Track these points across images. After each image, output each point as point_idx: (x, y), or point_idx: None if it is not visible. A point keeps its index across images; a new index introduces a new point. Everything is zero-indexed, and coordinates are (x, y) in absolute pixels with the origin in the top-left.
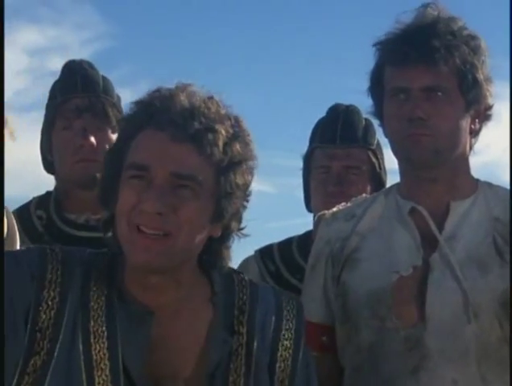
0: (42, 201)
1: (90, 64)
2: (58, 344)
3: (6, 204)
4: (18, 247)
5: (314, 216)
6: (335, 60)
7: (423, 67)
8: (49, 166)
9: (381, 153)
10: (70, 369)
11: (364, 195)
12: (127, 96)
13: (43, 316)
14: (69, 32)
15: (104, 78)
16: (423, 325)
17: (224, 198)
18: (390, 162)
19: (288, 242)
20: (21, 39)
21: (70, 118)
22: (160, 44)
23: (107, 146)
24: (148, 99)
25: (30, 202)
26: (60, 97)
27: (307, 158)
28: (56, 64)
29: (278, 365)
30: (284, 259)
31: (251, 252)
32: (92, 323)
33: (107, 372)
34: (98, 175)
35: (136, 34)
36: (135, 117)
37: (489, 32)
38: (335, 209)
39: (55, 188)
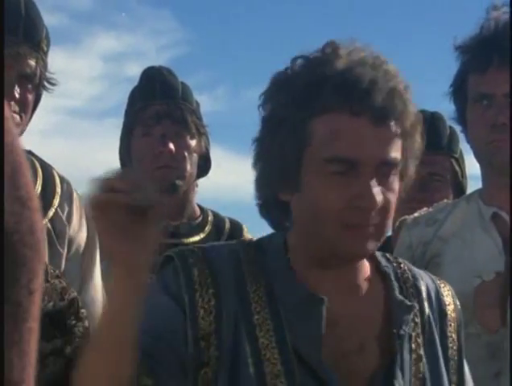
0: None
1: (169, 71)
2: (224, 348)
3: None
4: (98, 252)
5: (393, 221)
6: (413, 65)
7: (506, 72)
8: None
9: (463, 162)
10: (238, 369)
11: (445, 200)
12: (205, 102)
13: (202, 322)
14: (146, 38)
15: (183, 84)
16: (506, 330)
17: (410, 163)
18: (471, 167)
19: None
20: (97, 45)
21: (149, 125)
22: (237, 50)
23: (186, 153)
24: (332, 72)
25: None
26: (139, 104)
27: None
28: (133, 70)
29: (448, 340)
30: None
31: None
32: (255, 316)
33: (279, 367)
34: (178, 182)
35: (213, 40)
36: (322, 94)
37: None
38: (416, 214)
39: None
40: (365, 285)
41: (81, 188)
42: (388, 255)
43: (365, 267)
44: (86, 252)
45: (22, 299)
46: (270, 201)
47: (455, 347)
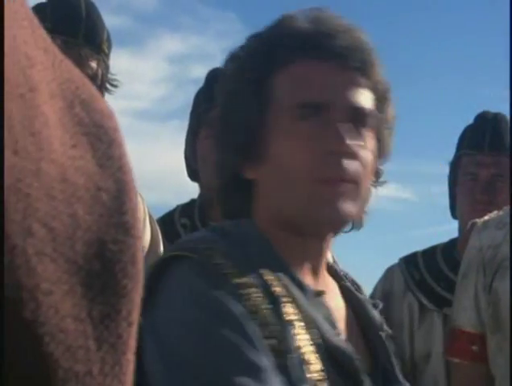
0: (186, 209)
1: None
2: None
3: (149, 209)
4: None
5: (459, 223)
6: (475, 67)
7: None
8: (193, 174)
9: None
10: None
11: None
12: None
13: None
14: (211, 40)
15: None
16: None
17: (384, 130)
18: None
19: (433, 250)
20: (163, 47)
21: (214, 126)
22: None
23: None
24: (295, 22)
25: (175, 210)
26: (204, 105)
27: (454, 165)
28: (198, 72)
29: None
30: (429, 267)
31: (395, 260)
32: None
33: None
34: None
35: None
36: (280, 47)
37: (490, 31)
38: (486, 217)
39: (200, 196)
40: (332, 280)
41: (146, 190)
42: None
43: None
44: (150, 252)
45: (123, 331)
46: (231, 183)
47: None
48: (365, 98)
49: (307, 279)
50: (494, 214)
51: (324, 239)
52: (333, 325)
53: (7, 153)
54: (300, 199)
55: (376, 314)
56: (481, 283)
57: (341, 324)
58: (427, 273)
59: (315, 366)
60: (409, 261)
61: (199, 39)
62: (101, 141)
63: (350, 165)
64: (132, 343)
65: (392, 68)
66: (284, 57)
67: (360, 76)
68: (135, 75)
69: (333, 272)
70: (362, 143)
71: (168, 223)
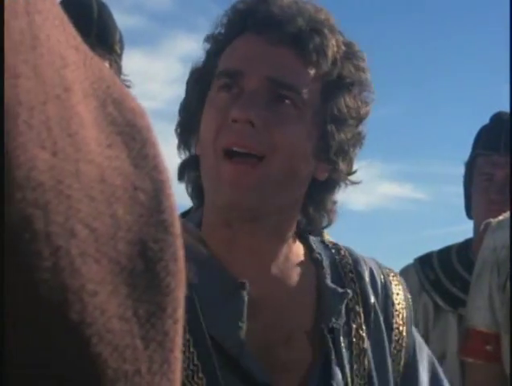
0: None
1: None
2: None
3: None
4: None
5: (474, 223)
6: (492, 67)
7: None
8: None
9: None
10: None
11: None
12: None
13: None
14: None
15: None
16: None
17: (331, 122)
18: None
19: (447, 250)
20: (177, 48)
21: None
22: None
23: None
24: (240, 2)
25: (190, 210)
26: None
27: (470, 165)
28: None
29: (393, 333)
30: (444, 267)
31: (410, 261)
32: None
33: (195, 361)
34: None
35: None
36: (225, 26)
37: (489, 31)
38: (501, 217)
39: None
40: (294, 271)
41: None
42: (327, 241)
43: (296, 251)
44: None
45: (169, 329)
46: (187, 161)
47: (402, 342)
48: (293, 73)
49: (237, 269)
50: (509, 214)
51: (242, 224)
52: (240, 316)
53: (46, 156)
54: (206, 178)
55: (334, 305)
56: (496, 283)
57: (267, 314)
58: (441, 274)
59: (189, 358)
60: (424, 261)
61: None
62: (135, 140)
63: (247, 133)
64: (179, 341)
65: (406, 67)
66: (228, 36)
67: (294, 54)
68: (149, 75)
69: (314, 259)
70: (281, 125)
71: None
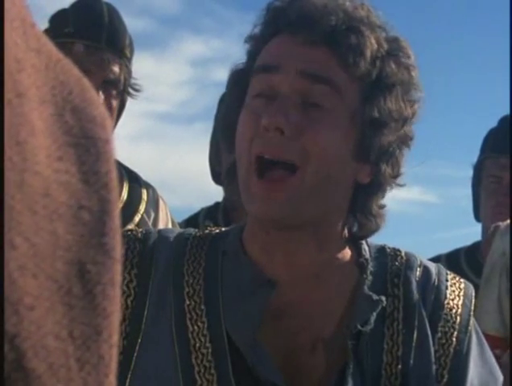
0: (210, 212)
1: None
2: (139, 340)
3: (171, 214)
4: None
5: (483, 226)
6: (501, 70)
7: None
8: (218, 177)
9: None
10: (159, 364)
11: None
12: None
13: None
14: (233, 43)
15: None
16: None
17: (370, 125)
18: None
19: (456, 253)
20: (185, 50)
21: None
22: None
23: None
24: (274, 2)
25: (199, 212)
26: None
27: (478, 168)
28: (221, 75)
29: (437, 335)
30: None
31: None
32: (187, 302)
33: (209, 357)
34: None
35: None
36: (261, 26)
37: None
38: (509, 221)
39: (224, 199)
40: (334, 277)
41: (169, 193)
42: (389, 247)
43: (342, 256)
44: None
45: (105, 353)
46: (230, 168)
47: (448, 347)
48: (322, 67)
49: (272, 270)
50: None
51: (279, 232)
52: (258, 315)
53: None
54: (240, 188)
55: (365, 311)
56: (505, 287)
57: (294, 318)
58: None
59: (203, 354)
60: None
61: (221, 41)
62: (89, 153)
63: (276, 141)
64: (113, 366)
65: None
66: (263, 36)
67: (329, 54)
68: (158, 78)
69: (359, 264)
70: (317, 124)
71: (193, 225)
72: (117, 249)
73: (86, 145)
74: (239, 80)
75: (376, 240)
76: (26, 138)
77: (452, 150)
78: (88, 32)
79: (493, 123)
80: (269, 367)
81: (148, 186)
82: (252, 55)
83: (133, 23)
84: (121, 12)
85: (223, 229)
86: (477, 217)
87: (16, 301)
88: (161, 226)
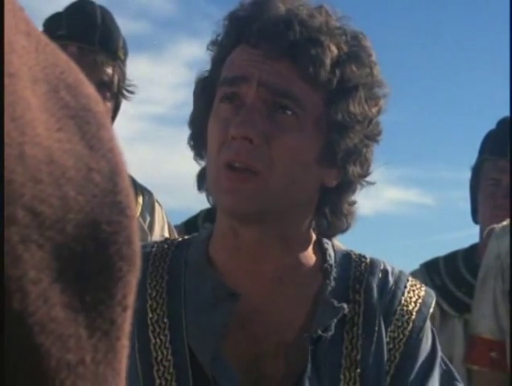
0: (210, 214)
1: None
2: None
3: (167, 217)
4: None
5: (481, 228)
6: (499, 72)
7: None
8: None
9: None
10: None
11: None
12: None
13: None
14: None
15: None
16: None
17: (334, 130)
18: None
19: (454, 255)
20: (181, 52)
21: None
22: None
23: None
24: (237, 10)
25: (198, 214)
26: None
27: (476, 170)
28: None
29: (386, 340)
30: (450, 272)
31: (416, 266)
32: (149, 315)
33: (171, 370)
34: None
35: None
36: (223, 35)
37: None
38: (505, 223)
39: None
40: (297, 282)
41: (166, 195)
42: (354, 253)
43: (306, 261)
44: None
45: (117, 317)
46: (203, 171)
47: (395, 352)
48: (284, 82)
49: (237, 278)
50: None
51: (246, 230)
52: (220, 329)
53: None
54: (210, 188)
55: (325, 317)
56: (500, 289)
57: (259, 324)
58: (448, 279)
59: (165, 366)
60: (430, 267)
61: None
62: (90, 123)
63: (245, 150)
64: (127, 328)
65: (413, 73)
66: (226, 46)
67: (290, 66)
68: (154, 80)
69: (324, 270)
70: (280, 133)
71: (192, 227)
72: (132, 207)
73: (86, 117)
74: (205, 88)
75: (376, 241)
76: (22, 114)
77: (451, 153)
78: (81, 34)
79: (491, 125)
80: (230, 381)
81: (144, 190)
82: (216, 63)
83: (130, 26)
84: (117, 15)
85: (186, 237)
86: (475, 219)
87: (20, 276)
88: (157, 229)
